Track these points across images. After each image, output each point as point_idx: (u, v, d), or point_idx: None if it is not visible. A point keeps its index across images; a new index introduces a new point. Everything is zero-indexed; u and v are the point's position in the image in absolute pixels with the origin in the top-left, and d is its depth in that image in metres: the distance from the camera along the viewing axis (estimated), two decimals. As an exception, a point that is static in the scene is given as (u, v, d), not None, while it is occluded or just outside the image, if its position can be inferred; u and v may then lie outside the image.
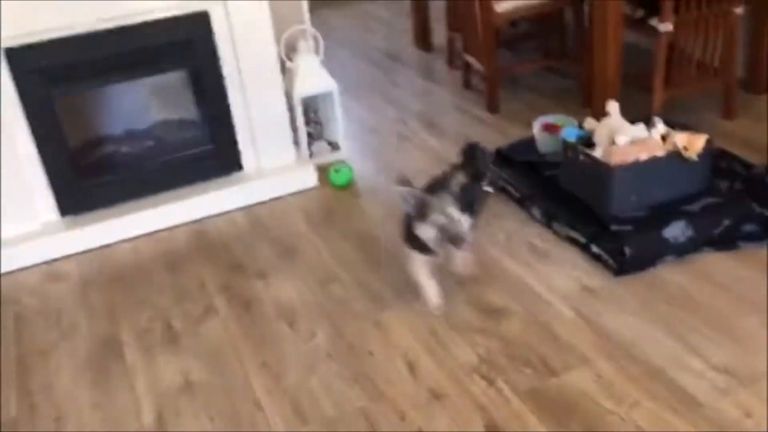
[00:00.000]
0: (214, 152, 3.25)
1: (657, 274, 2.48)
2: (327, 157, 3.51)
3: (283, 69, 3.31)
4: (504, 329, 2.33)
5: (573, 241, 2.70)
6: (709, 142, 2.67)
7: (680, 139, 2.63)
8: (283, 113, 3.26)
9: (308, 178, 3.32)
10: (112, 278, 2.83)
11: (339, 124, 3.54)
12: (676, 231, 2.55)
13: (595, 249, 2.61)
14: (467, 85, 4.21)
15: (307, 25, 3.43)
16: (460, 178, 2.35)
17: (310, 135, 3.51)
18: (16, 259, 2.94)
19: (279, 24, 3.20)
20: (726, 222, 2.60)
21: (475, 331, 2.34)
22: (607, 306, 2.37)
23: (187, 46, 3.02)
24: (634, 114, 2.82)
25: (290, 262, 2.80)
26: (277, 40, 3.17)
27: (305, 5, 3.43)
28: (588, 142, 2.79)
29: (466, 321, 2.39)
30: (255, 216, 3.15)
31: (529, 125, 3.22)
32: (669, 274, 2.48)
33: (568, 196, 2.84)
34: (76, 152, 3.15)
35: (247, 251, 2.90)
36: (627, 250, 2.49)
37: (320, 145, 3.55)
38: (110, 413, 2.17)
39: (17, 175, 2.91)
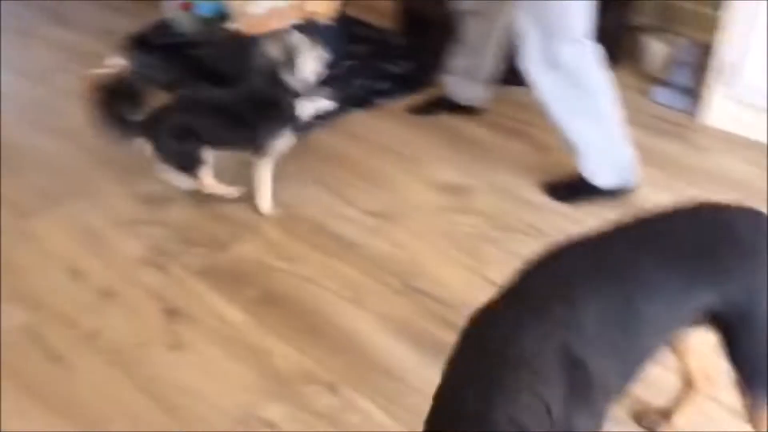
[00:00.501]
0: None
1: (311, 139, 2.60)
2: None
3: None
4: (170, 216, 2.28)
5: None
6: (341, 8, 2.79)
7: (311, 4, 2.71)
8: None
9: None
10: None
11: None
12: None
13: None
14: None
15: None
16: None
17: None
18: None
19: None
20: (362, 82, 2.79)
21: (141, 222, 2.26)
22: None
23: None
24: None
25: None
26: None
27: None
28: (225, 15, 2.74)
29: (128, 214, 2.29)
30: None
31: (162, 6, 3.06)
32: (321, 137, 2.61)
33: (215, 75, 2.79)
34: None
35: None
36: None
37: None
38: None
39: None
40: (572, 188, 2.30)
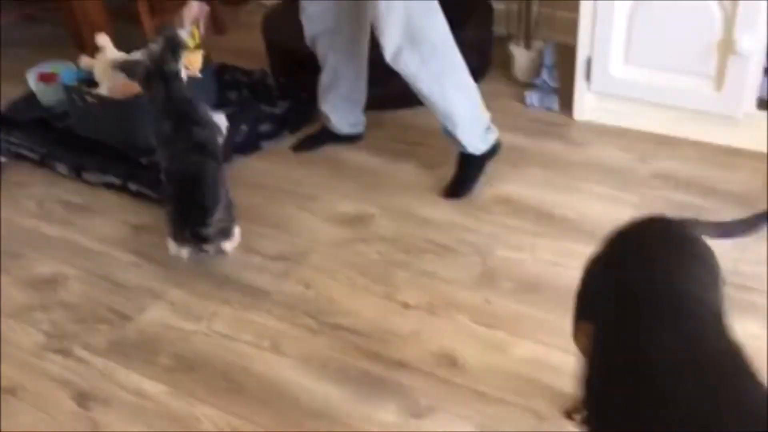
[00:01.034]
0: None
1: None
2: None
3: None
4: (64, 296, 2.17)
5: (110, 186, 2.60)
6: (207, 58, 2.77)
7: (179, 59, 2.67)
8: None
9: None
10: None
11: None
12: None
13: (133, 187, 2.55)
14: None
15: None
16: None
17: None
18: None
19: None
20: (243, 127, 2.77)
21: (34, 309, 2.14)
22: (163, 238, 2.35)
23: None
24: (129, 45, 2.76)
25: None
26: None
27: None
28: (91, 81, 2.66)
29: (20, 302, 2.16)
30: None
31: (25, 81, 2.94)
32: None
33: (90, 143, 2.70)
34: None
35: None
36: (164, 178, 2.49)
37: None
38: None
39: None
40: (464, 178, 2.41)
